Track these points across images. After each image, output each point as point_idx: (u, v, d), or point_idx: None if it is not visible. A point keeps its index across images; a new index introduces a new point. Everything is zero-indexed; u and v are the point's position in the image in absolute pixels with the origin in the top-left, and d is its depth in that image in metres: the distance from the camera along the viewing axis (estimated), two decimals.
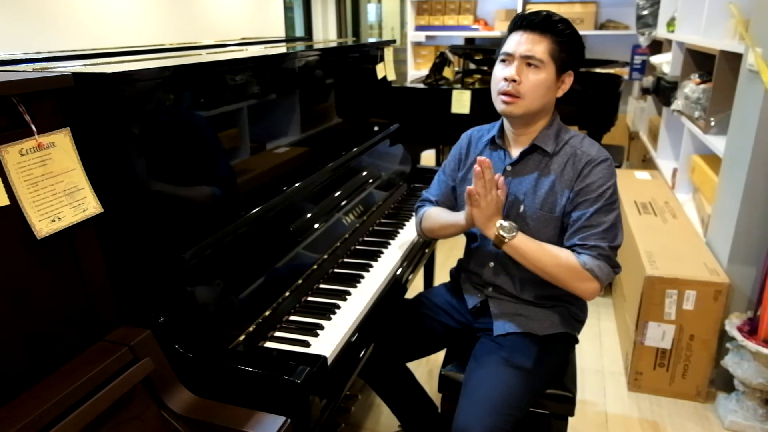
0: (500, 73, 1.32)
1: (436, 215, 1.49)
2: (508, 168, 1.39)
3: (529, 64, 1.28)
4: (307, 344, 1.19)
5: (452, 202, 1.53)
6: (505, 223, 1.28)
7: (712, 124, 2.38)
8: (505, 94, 1.30)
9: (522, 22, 1.30)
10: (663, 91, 3.24)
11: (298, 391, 0.97)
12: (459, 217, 1.38)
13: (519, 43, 1.29)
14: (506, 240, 1.28)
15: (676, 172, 2.95)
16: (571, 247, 1.30)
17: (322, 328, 1.25)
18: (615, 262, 1.30)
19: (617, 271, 1.30)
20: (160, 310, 1.05)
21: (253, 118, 1.44)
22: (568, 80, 1.34)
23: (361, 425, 1.98)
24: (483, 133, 1.49)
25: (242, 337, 1.14)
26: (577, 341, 1.49)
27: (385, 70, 2.23)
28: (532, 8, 1.36)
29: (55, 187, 0.86)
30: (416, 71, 5.32)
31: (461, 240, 1.56)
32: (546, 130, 1.36)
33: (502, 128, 1.43)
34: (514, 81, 1.28)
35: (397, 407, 1.72)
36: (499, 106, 1.33)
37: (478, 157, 1.25)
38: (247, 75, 1.39)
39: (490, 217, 1.28)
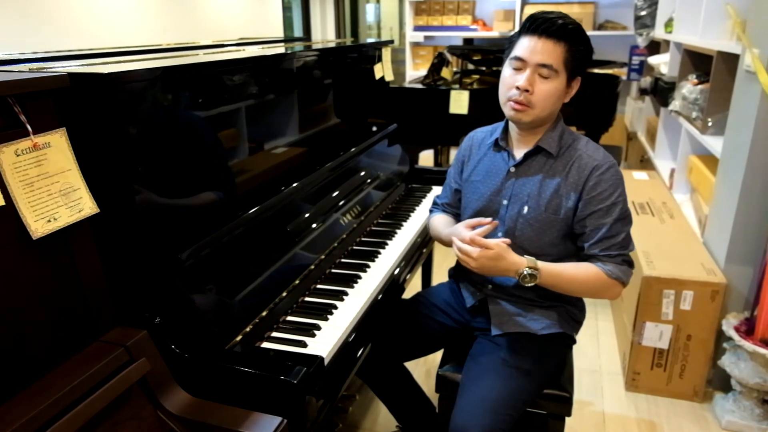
0: (511, 79, 1.29)
1: (436, 226, 1.55)
2: (512, 169, 1.38)
3: (542, 73, 1.26)
4: (303, 344, 1.19)
5: (458, 205, 1.54)
6: (526, 268, 1.26)
7: (710, 124, 2.38)
8: (515, 102, 1.28)
9: (538, 27, 1.24)
10: (661, 92, 3.24)
11: (295, 391, 0.97)
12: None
13: (533, 50, 1.25)
14: (536, 273, 1.26)
15: (673, 172, 2.95)
16: (592, 256, 1.32)
17: (319, 328, 1.25)
18: (632, 262, 1.35)
19: (633, 267, 1.36)
20: (156, 311, 1.05)
21: (251, 118, 1.44)
22: (576, 85, 1.33)
23: (359, 425, 1.98)
24: (485, 136, 1.49)
25: (239, 338, 1.14)
26: (574, 341, 1.49)
27: (383, 70, 2.23)
28: (531, 9, 1.34)
29: (51, 188, 0.86)
30: (414, 71, 5.32)
31: None
32: (551, 132, 1.35)
33: (505, 129, 1.43)
34: (527, 91, 1.26)
35: (394, 407, 1.72)
36: (509, 112, 1.32)
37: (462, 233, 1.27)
38: (244, 75, 1.39)
39: (502, 266, 1.26)
